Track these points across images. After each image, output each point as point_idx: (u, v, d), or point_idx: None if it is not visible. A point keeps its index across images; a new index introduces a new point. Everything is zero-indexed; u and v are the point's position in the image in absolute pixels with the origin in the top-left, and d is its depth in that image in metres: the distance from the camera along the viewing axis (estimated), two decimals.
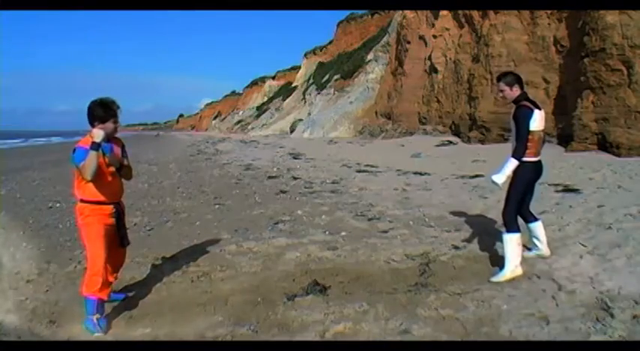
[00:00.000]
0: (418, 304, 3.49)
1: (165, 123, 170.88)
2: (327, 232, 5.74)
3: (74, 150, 3.44)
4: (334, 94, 40.74)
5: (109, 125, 3.47)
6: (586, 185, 8.16)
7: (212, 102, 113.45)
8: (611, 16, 12.48)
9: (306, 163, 15.49)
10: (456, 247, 4.95)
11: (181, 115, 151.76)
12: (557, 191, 7.76)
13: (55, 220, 6.99)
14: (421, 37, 25.39)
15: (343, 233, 5.67)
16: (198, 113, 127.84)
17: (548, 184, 8.49)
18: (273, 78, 77.72)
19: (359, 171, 12.30)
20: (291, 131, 41.44)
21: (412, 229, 5.76)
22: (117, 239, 3.73)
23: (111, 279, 3.68)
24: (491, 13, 18.50)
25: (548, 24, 16.31)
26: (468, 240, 5.19)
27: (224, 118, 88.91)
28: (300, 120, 42.98)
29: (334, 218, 6.61)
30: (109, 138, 3.53)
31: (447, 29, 22.67)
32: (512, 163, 3.96)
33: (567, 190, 7.79)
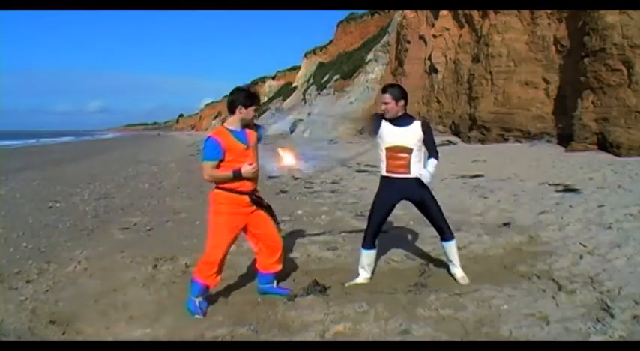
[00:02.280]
0: (418, 304, 3.49)
1: (165, 123, 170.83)
2: (327, 232, 5.74)
3: (207, 140, 3.51)
4: (334, 94, 40.73)
5: (251, 112, 3.55)
6: (586, 185, 8.16)
7: (212, 102, 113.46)
8: (611, 16, 12.50)
9: (305, 163, 15.47)
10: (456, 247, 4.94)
11: (181, 115, 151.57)
12: (557, 191, 7.76)
13: (55, 220, 6.98)
14: (421, 37, 25.39)
15: (343, 233, 5.67)
16: (198, 113, 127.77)
17: (549, 184, 8.49)
18: (273, 78, 77.70)
19: (359, 171, 12.30)
20: (291, 131, 41.45)
21: (412, 229, 5.75)
22: (268, 221, 3.79)
23: (219, 276, 3.64)
24: (491, 13, 18.51)
25: (548, 24, 16.33)
26: (468, 240, 5.19)
27: (224, 118, 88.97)
28: (300, 120, 42.97)
29: (334, 218, 6.61)
30: (248, 125, 3.61)
31: (447, 29, 22.67)
32: (435, 163, 3.93)
33: (567, 190, 7.80)
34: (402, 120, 3.86)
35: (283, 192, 9.11)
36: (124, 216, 7.24)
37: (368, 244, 4.08)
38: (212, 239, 3.61)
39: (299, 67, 64.27)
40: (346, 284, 4.02)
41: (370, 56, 36.56)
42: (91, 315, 3.56)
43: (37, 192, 9.95)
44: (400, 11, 29.73)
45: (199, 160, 3.60)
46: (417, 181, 3.90)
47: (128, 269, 4.49)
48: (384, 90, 3.90)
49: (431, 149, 3.94)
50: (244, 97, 3.53)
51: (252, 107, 3.56)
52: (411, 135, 3.84)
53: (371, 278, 4.13)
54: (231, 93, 3.58)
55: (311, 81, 51.30)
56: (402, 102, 3.84)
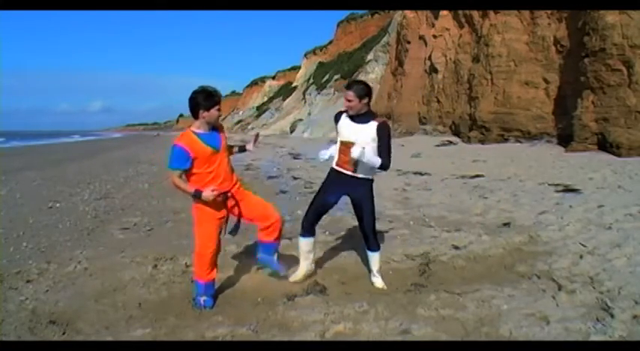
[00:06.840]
0: (418, 304, 3.49)
1: (164, 123, 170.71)
2: (327, 232, 5.74)
3: (173, 147, 3.40)
4: (334, 94, 40.78)
5: (214, 113, 3.43)
6: (586, 185, 8.16)
7: None
8: (611, 16, 12.50)
9: (306, 163, 15.48)
10: (456, 247, 4.94)
11: (181, 115, 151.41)
12: (557, 191, 7.76)
13: (55, 220, 6.98)
14: (421, 37, 25.38)
15: (343, 233, 5.67)
16: None
17: (548, 184, 8.49)
18: (273, 78, 77.74)
19: None
20: (291, 131, 41.47)
21: (412, 229, 5.76)
22: (255, 202, 3.85)
23: (214, 270, 3.71)
24: (491, 13, 18.51)
25: (548, 24, 16.33)
26: (468, 240, 5.19)
27: (224, 118, 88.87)
28: (300, 120, 43.02)
29: (334, 218, 6.60)
30: (215, 126, 3.53)
31: (447, 29, 22.67)
32: (378, 163, 3.74)
33: (567, 190, 7.80)
34: (361, 117, 3.81)
35: (283, 192, 9.11)
36: (124, 216, 7.24)
37: (304, 231, 4.09)
38: (197, 238, 3.62)
39: (299, 67, 64.32)
40: (290, 279, 4.04)
41: (370, 56, 36.62)
42: (91, 315, 3.56)
43: (37, 192, 9.94)
44: (400, 11, 29.76)
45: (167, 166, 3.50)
46: (362, 182, 3.89)
47: (128, 269, 4.48)
48: (349, 87, 3.84)
49: (382, 154, 3.74)
50: (204, 98, 3.38)
51: (215, 107, 3.43)
52: (363, 133, 3.77)
53: (313, 268, 4.16)
54: (191, 97, 3.41)
55: (311, 81, 51.34)
56: (365, 99, 3.79)
